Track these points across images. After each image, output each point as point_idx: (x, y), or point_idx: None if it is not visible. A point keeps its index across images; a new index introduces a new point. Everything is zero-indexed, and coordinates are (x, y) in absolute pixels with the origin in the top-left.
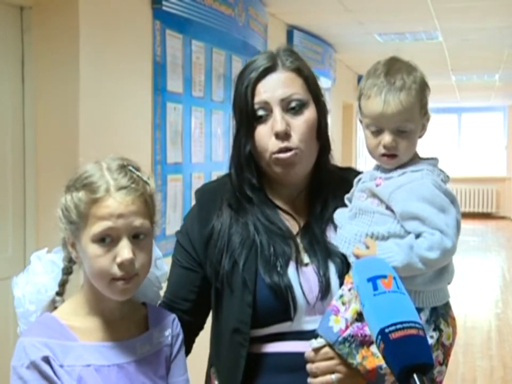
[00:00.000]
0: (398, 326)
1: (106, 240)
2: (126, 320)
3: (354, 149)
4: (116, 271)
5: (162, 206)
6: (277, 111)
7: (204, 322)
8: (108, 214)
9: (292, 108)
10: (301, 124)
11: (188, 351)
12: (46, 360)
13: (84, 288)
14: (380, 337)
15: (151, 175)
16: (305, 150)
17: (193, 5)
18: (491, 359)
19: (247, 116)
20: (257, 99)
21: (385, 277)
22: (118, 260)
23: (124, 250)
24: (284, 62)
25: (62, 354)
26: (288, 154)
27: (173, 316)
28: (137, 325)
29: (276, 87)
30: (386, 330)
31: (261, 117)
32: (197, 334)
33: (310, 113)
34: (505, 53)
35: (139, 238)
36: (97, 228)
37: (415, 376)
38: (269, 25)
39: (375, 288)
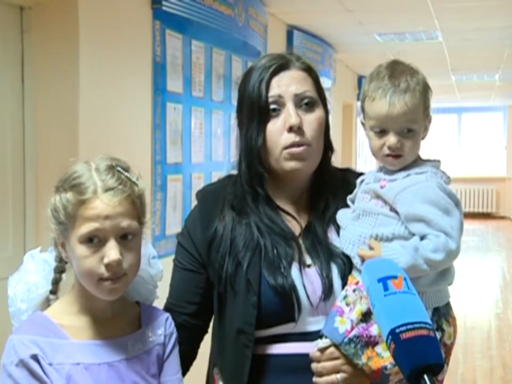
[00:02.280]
0: (409, 327)
1: (94, 241)
2: (118, 318)
3: (354, 149)
4: (103, 271)
5: (162, 206)
6: (291, 106)
7: (208, 325)
8: (94, 215)
9: (305, 104)
10: (313, 120)
11: (193, 357)
12: (35, 358)
13: (75, 287)
14: (390, 337)
15: (140, 175)
16: (316, 146)
17: (193, 5)
18: (491, 359)
19: (259, 110)
20: (271, 93)
21: (395, 277)
22: (105, 260)
23: (111, 251)
24: (294, 61)
25: (51, 352)
26: (301, 148)
27: (166, 315)
28: (130, 323)
29: (289, 82)
30: (397, 330)
31: (274, 110)
32: (201, 339)
33: (320, 111)
34: (505, 53)
35: (127, 239)
36: (84, 229)
37: (425, 376)
38: (269, 25)
39: (386, 288)
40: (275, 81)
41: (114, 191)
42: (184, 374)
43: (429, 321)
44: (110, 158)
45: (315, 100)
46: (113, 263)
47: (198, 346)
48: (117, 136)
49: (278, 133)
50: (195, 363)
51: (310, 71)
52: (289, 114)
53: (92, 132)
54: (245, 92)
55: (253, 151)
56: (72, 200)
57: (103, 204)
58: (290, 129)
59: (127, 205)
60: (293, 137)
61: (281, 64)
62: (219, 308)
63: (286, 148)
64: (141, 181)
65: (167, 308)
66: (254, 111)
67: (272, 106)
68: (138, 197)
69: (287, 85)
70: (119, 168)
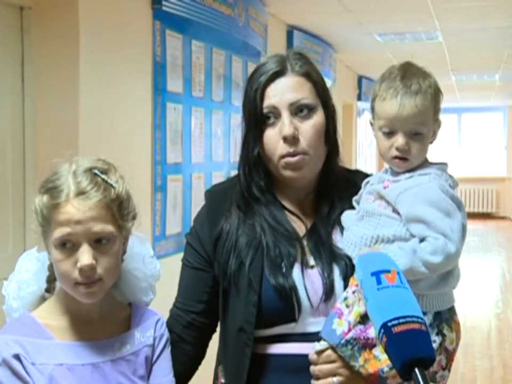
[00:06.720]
0: (401, 320)
1: (67, 245)
2: (106, 319)
3: (354, 149)
4: (77, 276)
5: (162, 206)
6: (286, 115)
7: (216, 324)
8: (66, 220)
9: (300, 111)
10: (309, 128)
11: (202, 356)
12: (17, 357)
13: (61, 288)
14: (382, 330)
15: (121, 177)
16: (313, 154)
17: (193, 5)
18: (491, 359)
19: (255, 119)
20: (266, 103)
21: (389, 271)
22: (78, 265)
23: (84, 255)
24: (293, 66)
25: (34, 353)
26: (296, 158)
27: (158, 316)
28: (119, 324)
29: (284, 91)
30: (389, 324)
31: (269, 119)
32: (210, 338)
33: (318, 117)
34: (505, 53)
35: (101, 243)
36: (57, 233)
37: (416, 370)
38: (269, 25)
39: (379, 282)
40: (270, 90)
41: (85, 195)
42: (192, 373)
43: (421, 315)
44: (93, 159)
45: (313, 106)
46: (86, 267)
47: (206, 345)
48: (117, 136)
49: (274, 141)
50: (204, 360)
51: (308, 75)
52: (284, 124)
53: (92, 132)
54: (245, 99)
55: (250, 159)
56: (46, 204)
57: (74, 208)
58: (285, 139)
59: (99, 209)
60: (287, 147)
61: (275, 72)
62: (223, 305)
63: (282, 157)
64: (120, 183)
65: (175, 307)
66: (251, 120)
67: (268, 117)
68: (115, 200)
69: (282, 94)
70: (95, 171)
